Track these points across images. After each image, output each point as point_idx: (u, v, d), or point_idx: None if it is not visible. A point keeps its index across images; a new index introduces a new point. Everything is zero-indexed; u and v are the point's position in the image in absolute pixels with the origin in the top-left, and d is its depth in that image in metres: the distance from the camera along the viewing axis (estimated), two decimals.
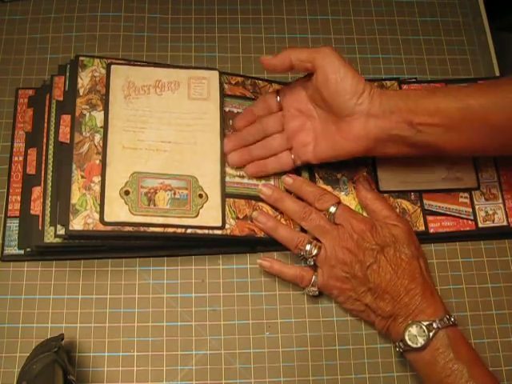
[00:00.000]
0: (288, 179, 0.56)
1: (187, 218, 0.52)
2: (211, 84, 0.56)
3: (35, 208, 0.52)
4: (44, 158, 0.53)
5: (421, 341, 0.47)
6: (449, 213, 0.58)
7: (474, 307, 0.55)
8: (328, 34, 0.66)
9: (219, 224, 0.52)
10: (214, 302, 0.54)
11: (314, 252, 0.52)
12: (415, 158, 0.57)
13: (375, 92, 0.50)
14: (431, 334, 0.47)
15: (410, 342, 0.47)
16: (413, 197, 0.58)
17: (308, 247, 0.52)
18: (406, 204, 0.57)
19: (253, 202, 0.55)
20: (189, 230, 0.51)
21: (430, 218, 0.57)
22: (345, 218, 0.52)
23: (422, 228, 0.57)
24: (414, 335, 0.47)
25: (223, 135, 0.55)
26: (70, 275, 0.54)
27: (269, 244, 0.55)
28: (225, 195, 0.54)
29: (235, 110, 0.58)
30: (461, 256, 0.57)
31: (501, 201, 0.58)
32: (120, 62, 0.56)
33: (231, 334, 0.53)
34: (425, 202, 0.58)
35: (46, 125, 0.54)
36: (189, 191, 0.52)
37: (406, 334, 0.48)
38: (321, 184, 0.57)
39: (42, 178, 0.52)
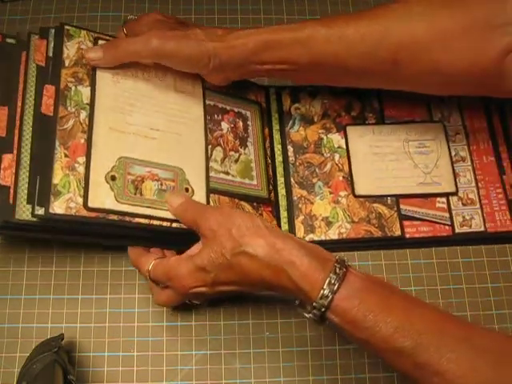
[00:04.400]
0: None
1: None
2: (196, 80, 0.55)
3: (5, 178, 0.47)
4: (18, 123, 0.48)
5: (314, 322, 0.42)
6: (426, 218, 0.57)
7: (474, 307, 0.55)
8: None
9: None
10: (213, 302, 0.54)
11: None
12: (392, 163, 0.58)
13: (220, 52, 0.50)
14: (316, 319, 0.42)
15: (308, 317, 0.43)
16: (389, 201, 0.57)
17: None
18: (382, 209, 0.57)
19: (236, 200, 0.53)
20: (174, 224, 0.49)
21: (406, 222, 0.57)
22: (164, 284, 0.48)
23: (399, 233, 0.56)
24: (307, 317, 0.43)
25: (207, 131, 0.54)
26: (69, 275, 0.54)
27: None
28: (210, 191, 0.52)
29: (219, 105, 0.56)
30: (461, 256, 0.57)
31: (478, 206, 0.58)
32: (107, 38, 0.54)
33: (231, 334, 0.53)
34: (401, 206, 0.57)
35: (21, 86, 0.50)
36: (175, 183, 0.51)
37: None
38: (296, 189, 0.57)
39: (15, 145, 0.48)
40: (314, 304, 0.41)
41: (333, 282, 0.41)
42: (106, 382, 0.51)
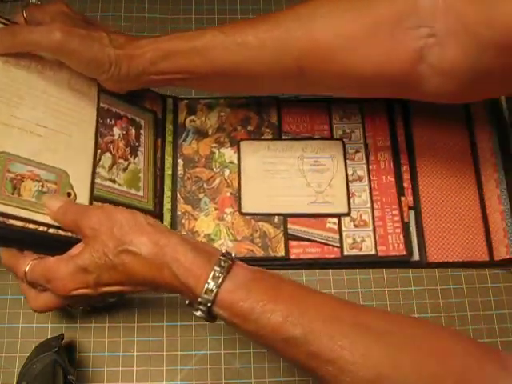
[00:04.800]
0: None
1: None
2: (91, 80, 0.52)
3: None
4: None
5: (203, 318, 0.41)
6: (314, 238, 0.55)
7: (474, 307, 0.55)
8: None
9: None
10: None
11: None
12: (283, 180, 0.56)
13: (121, 61, 0.48)
14: (205, 316, 0.41)
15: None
16: (276, 220, 0.55)
17: None
18: (267, 227, 0.55)
19: None
20: (51, 230, 0.46)
21: (293, 243, 0.55)
22: (43, 286, 0.45)
23: (282, 253, 0.54)
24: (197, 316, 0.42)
25: (98, 135, 0.52)
26: None
27: None
28: (93, 198, 0.49)
29: (113, 110, 0.54)
30: None
31: (371, 228, 0.56)
32: (3, 21, 0.49)
33: (231, 333, 0.53)
34: (289, 226, 0.55)
35: None
36: (58, 186, 0.47)
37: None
38: (181, 204, 0.56)
39: None
40: (200, 299, 0.39)
41: (217, 275, 0.39)
42: (106, 382, 0.51)
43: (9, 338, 0.52)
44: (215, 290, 0.39)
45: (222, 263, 0.40)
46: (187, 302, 0.42)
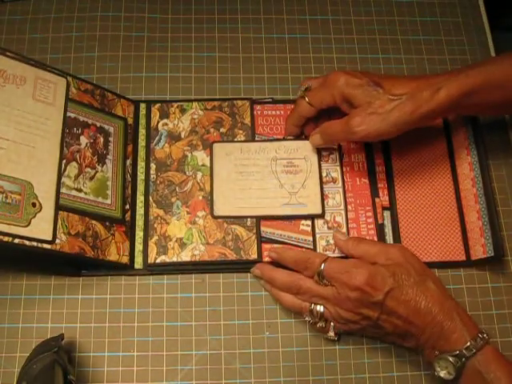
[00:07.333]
0: (271, 253, 0.53)
1: (17, 226, 0.47)
2: (58, 90, 0.53)
3: None
4: None
5: (452, 373, 0.46)
6: (287, 241, 0.55)
7: (474, 307, 0.55)
8: (328, 34, 0.66)
9: (49, 238, 0.49)
10: (213, 302, 0.54)
11: (320, 312, 0.51)
12: (256, 182, 0.56)
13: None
14: (459, 364, 0.46)
15: (442, 375, 0.47)
16: (249, 223, 0.55)
17: (313, 311, 0.51)
18: (240, 231, 0.55)
19: (87, 219, 0.52)
20: (16, 240, 0.46)
21: (266, 246, 0.54)
22: (335, 279, 0.49)
23: (255, 256, 0.54)
24: (445, 367, 0.47)
25: (64, 144, 0.52)
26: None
27: (98, 267, 0.54)
28: (59, 207, 0.50)
29: (81, 119, 0.54)
30: None
31: (345, 230, 0.55)
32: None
33: (231, 334, 0.53)
34: (262, 229, 0.55)
35: None
36: (22, 197, 0.48)
37: (437, 367, 0.47)
38: (154, 208, 0.56)
39: None
40: (463, 350, 0.46)
41: (471, 348, 0.46)
42: (106, 382, 0.51)
43: (9, 338, 0.52)
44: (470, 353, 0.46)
45: (478, 340, 0.46)
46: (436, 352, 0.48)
